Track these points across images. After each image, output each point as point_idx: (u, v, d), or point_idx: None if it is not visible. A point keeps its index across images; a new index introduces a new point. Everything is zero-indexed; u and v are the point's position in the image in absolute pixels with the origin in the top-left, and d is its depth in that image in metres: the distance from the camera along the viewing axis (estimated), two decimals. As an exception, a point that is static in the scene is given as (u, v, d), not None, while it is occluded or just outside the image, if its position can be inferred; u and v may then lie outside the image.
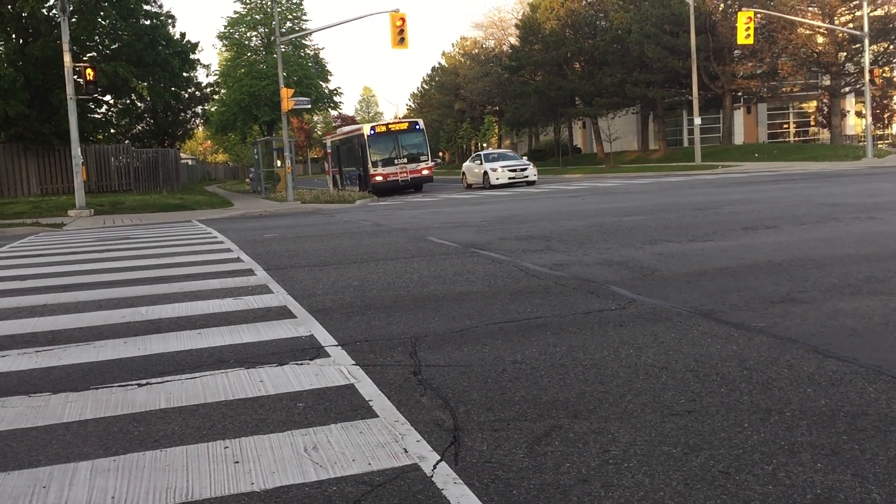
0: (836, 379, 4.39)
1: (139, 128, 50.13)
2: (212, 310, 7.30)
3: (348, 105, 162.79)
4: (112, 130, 42.29)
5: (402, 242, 12.73)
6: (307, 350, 5.65)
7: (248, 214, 24.56)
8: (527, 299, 7.05)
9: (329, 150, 44.25)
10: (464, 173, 37.47)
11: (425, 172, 35.53)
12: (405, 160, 34.83)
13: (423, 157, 35.55)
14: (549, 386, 4.56)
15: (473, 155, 38.71)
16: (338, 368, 5.14)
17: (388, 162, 34.66)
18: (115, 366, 5.49)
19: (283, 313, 7.02)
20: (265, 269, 9.97)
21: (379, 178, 34.34)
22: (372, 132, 35.09)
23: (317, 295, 7.93)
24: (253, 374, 5.08)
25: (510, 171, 33.53)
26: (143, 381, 5.05)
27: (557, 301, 6.90)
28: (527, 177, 33.61)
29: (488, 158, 35.53)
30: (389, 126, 36.31)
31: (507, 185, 33.21)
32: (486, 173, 33.92)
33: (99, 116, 40.39)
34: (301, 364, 5.28)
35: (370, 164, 34.44)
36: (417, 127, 36.09)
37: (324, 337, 6.03)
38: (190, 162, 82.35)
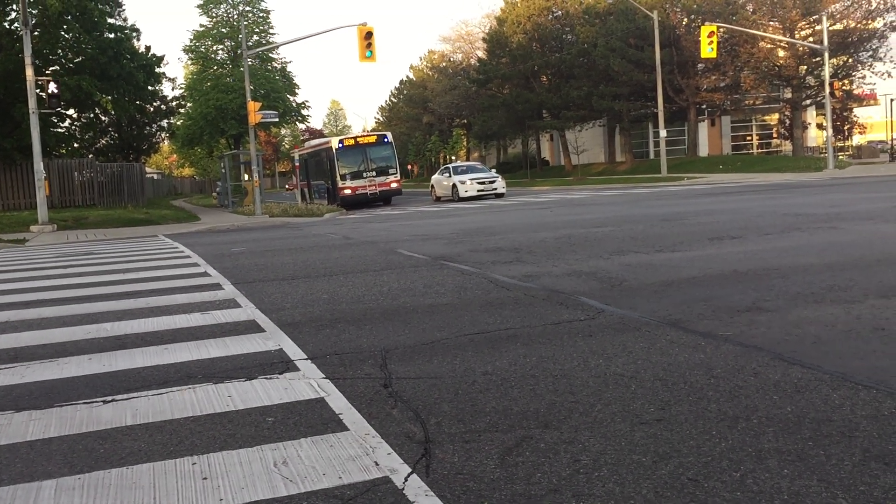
0: (801, 386, 4.45)
1: (103, 142, 49.53)
2: (179, 325, 7.22)
3: (316, 118, 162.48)
4: (76, 144, 41.75)
5: (371, 255, 12.71)
6: (276, 364, 5.61)
7: (215, 229, 24.35)
8: (497, 311, 7.07)
9: (297, 164, 44.15)
10: (433, 186, 37.43)
11: (394, 185, 35.51)
12: (374, 173, 34.82)
13: (391, 171, 35.57)
14: (519, 397, 4.57)
15: (442, 168, 38.73)
16: (307, 382, 5.11)
17: (356, 175, 34.61)
18: (79, 383, 5.40)
19: (251, 327, 6.96)
20: (233, 284, 9.88)
21: (348, 192, 34.25)
22: (340, 145, 35.08)
23: (286, 309, 7.87)
24: (221, 389, 5.03)
25: (479, 183, 33.59)
26: (109, 398, 4.97)
27: (527, 312, 6.93)
28: (496, 189, 33.70)
29: (457, 171, 35.56)
30: (358, 139, 36.32)
31: (476, 198, 33.24)
32: (455, 186, 33.91)
33: (62, 130, 39.85)
34: (270, 378, 5.23)
35: (339, 178, 34.41)
36: (386, 140, 36.02)
37: (293, 351, 5.98)
38: (156, 176, 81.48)
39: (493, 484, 3.39)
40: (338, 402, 4.64)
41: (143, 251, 16.02)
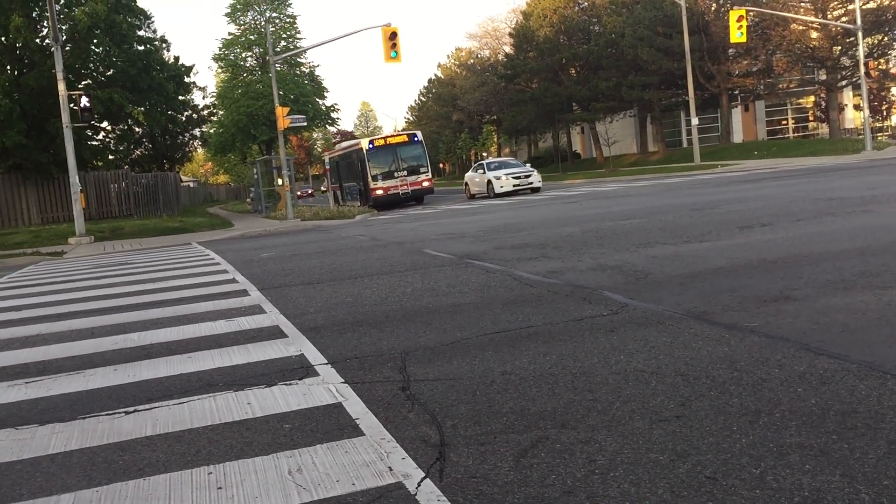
0: (826, 377, 4.33)
1: (138, 153, 50.33)
2: (203, 333, 7.27)
3: (347, 120, 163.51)
4: (110, 156, 42.40)
5: (397, 256, 12.70)
6: (296, 370, 5.61)
7: (247, 234, 24.57)
8: (518, 309, 7.01)
9: (328, 167, 44.09)
10: (466, 183, 36.65)
11: (426, 184, 35.25)
12: (405, 173, 34.61)
13: (422, 169, 35.31)
14: (537, 396, 4.51)
15: (476, 164, 38.05)
16: (326, 387, 5.10)
17: (387, 175, 34.47)
18: (103, 394, 5.45)
19: (274, 333, 6.99)
20: (259, 289, 9.94)
21: (379, 192, 34.09)
22: (371, 146, 34.91)
23: (309, 313, 7.89)
24: (241, 397, 5.04)
25: (514, 178, 32.67)
26: (131, 409, 5.01)
27: (549, 309, 6.85)
28: (531, 183, 32.76)
29: (491, 167, 34.64)
30: (388, 139, 36.09)
31: (512, 193, 32.35)
32: (489, 182, 33.06)
33: (96, 143, 40.52)
34: (289, 384, 5.23)
35: (370, 179, 34.28)
36: (416, 139, 35.86)
37: (314, 355, 5.98)
38: (191, 184, 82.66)
39: (506, 487, 3.35)
40: (355, 407, 4.62)
41: (175, 259, 16.20)
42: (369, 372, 5.39)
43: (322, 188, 76.83)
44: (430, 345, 5.98)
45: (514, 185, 32.39)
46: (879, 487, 3.00)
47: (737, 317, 5.86)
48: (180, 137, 55.12)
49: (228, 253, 16.80)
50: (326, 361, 5.77)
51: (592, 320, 6.25)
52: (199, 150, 77.83)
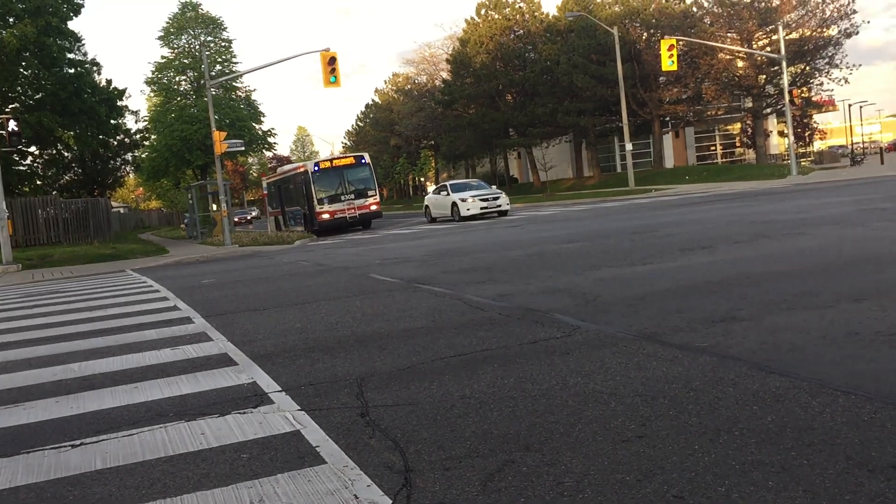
0: (780, 395, 4.44)
1: (67, 178, 48.99)
2: (148, 362, 7.07)
3: (283, 145, 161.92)
4: (39, 182, 41.16)
5: (343, 281, 12.60)
6: (250, 398, 5.49)
7: (183, 261, 24.06)
8: (472, 332, 7.01)
9: (269, 191, 43.01)
10: (427, 206, 34.82)
11: (374, 208, 34.19)
12: (352, 196, 33.57)
13: (370, 193, 34.35)
14: (499, 420, 4.50)
15: (437, 186, 37.00)
16: (283, 415, 5.00)
17: (334, 199, 33.40)
18: (47, 427, 5.24)
19: (223, 361, 6.83)
20: (203, 317, 9.73)
21: (325, 216, 33.03)
22: (316, 168, 33.96)
23: (258, 340, 7.75)
24: (194, 427, 4.90)
25: (482, 200, 30.83)
26: (77, 442, 4.82)
27: (503, 332, 6.88)
28: (500, 206, 30.91)
29: (456, 188, 32.78)
30: (334, 161, 35.16)
31: (479, 216, 30.59)
32: (455, 204, 31.24)
33: (24, 168, 39.31)
34: (244, 413, 5.12)
35: (315, 202, 33.17)
36: (363, 161, 34.84)
37: (267, 383, 5.87)
38: (122, 210, 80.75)
39: (476, 512, 3.32)
40: (314, 435, 4.54)
41: (111, 287, 15.76)
42: (326, 398, 5.31)
43: (237, 219, 74.85)
44: (386, 370, 5.93)
45: (481, 209, 30.60)
46: (842, 502, 3.08)
47: (687, 337, 5.97)
48: (112, 162, 53.83)
49: (166, 280, 16.42)
50: (280, 389, 5.66)
51: (547, 343, 6.29)
52: (131, 176, 76.14)
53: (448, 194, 32.34)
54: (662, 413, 4.34)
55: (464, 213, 30.56)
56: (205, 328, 8.77)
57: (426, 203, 34.98)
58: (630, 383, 4.95)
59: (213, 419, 5.04)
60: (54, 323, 10.47)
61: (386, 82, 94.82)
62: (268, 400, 5.40)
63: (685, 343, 5.80)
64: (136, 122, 59.64)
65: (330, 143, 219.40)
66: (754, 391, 4.55)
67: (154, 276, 18.11)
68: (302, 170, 35.77)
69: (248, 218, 72.98)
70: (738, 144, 62.34)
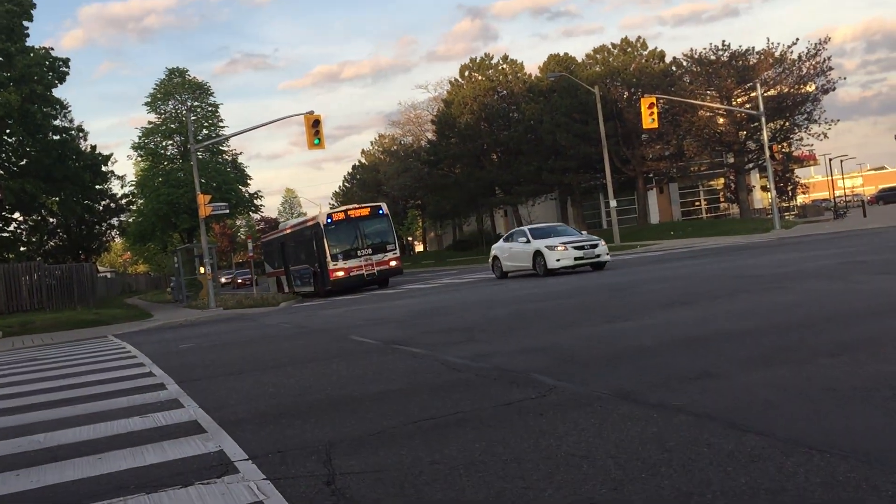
0: (754, 455, 4.33)
1: (52, 243, 48.79)
2: (116, 431, 6.88)
3: (271, 208, 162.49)
4: (22, 248, 40.95)
5: (322, 343, 12.45)
6: (215, 467, 5.32)
7: (166, 325, 23.82)
8: (447, 394, 6.88)
9: (267, 250, 40.07)
10: (495, 258, 27.66)
11: (393, 264, 30.81)
12: (369, 251, 30.22)
13: (389, 247, 30.96)
14: (467, 486, 4.36)
15: (511, 232, 28.73)
16: (246, 485, 4.84)
17: (349, 254, 30.07)
18: (3, 502, 5.05)
19: (192, 429, 6.66)
20: (178, 383, 9.54)
21: (340, 274, 29.72)
22: (329, 220, 30.43)
23: (229, 406, 7.58)
24: (154, 499, 4.73)
25: (576, 248, 23.91)
26: (32, 518, 4.64)
27: (478, 394, 6.75)
28: (598, 256, 24.06)
29: (538, 234, 25.67)
30: (349, 212, 31.44)
31: (571, 269, 24.33)
32: (539, 254, 24.35)
33: (7, 235, 39.15)
34: (207, 483, 4.95)
35: (328, 258, 29.82)
36: (381, 212, 31.51)
37: (234, 451, 5.70)
38: (109, 275, 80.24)
39: (436, 586, 3.17)
40: (277, 506, 4.38)
41: (89, 354, 15.52)
42: (293, 466, 5.15)
43: (224, 279, 72.48)
44: (356, 435, 5.78)
45: (575, 259, 23.77)
46: (814, 568, 2.96)
47: (663, 396, 5.87)
48: (97, 227, 53.76)
49: (146, 345, 16.21)
50: (247, 457, 5.50)
51: (521, 404, 6.16)
52: (118, 240, 75.99)
53: (528, 241, 25.34)
54: (635, 476, 4.21)
55: (552, 264, 23.93)
56: (177, 394, 8.59)
57: (494, 254, 28.08)
58: (603, 445, 4.83)
59: (175, 490, 4.87)
60: (25, 392, 10.25)
61: (372, 143, 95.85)
62: (233, 469, 5.23)
63: (661, 402, 5.69)
64: (122, 186, 59.63)
65: (318, 204, 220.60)
66: (729, 451, 4.44)
67: (134, 340, 17.88)
68: (312, 222, 32.64)
69: (252, 279, 70.07)
70: (721, 199, 62.97)
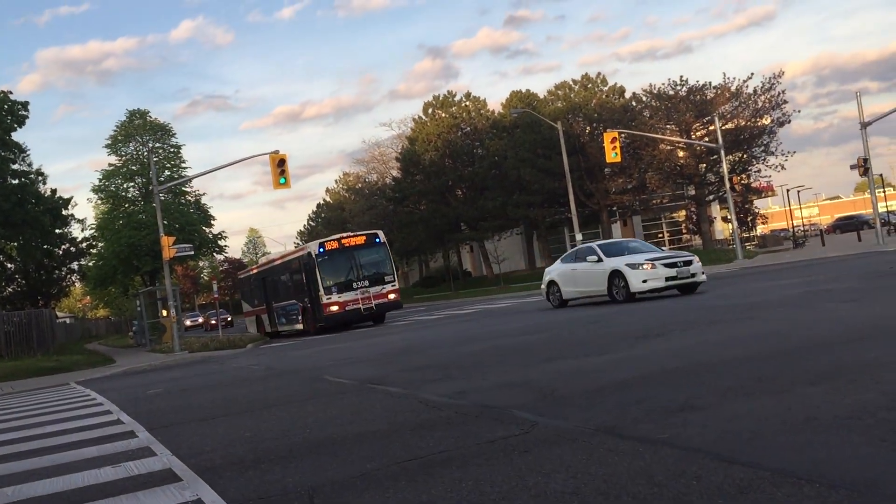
0: (744, 486, 4.31)
1: (10, 289, 47.74)
2: (87, 482, 6.67)
3: (235, 248, 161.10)
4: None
5: (295, 385, 12.27)
6: (194, 517, 5.17)
7: (130, 370, 23.34)
8: (429, 433, 6.79)
9: (245, 288, 37.74)
10: (552, 283, 22.98)
11: (392, 297, 28.80)
12: (366, 283, 28.25)
13: (387, 278, 28.99)
14: (457, 528, 4.28)
15: (573, 250, 23.73)
16: (229, 535, 4.70)
17: (344, 287, 28.08)
18: (-29, 561, 4.85)
19: (167, 477, 6.48)
20: (148, 430, 9.31)
21: (334, 309, 27.69)
22: (321, 251, 28.58)
23: (205, 452, 7.40)
24: (133, 553, 4.57)
25: (667, 266, 19.84)
26: (4, 577, 4.45)
27: (460, 432, 6.67)
28: (693, 276, 20.07)
29: (610, 251, 21.39)
30: (343, 241, 29.43)
31: (660, 292, 20.25)
32: (618, 274, 20.20)
33: (-35, 281, 38.30)
34: (187, 534, 4.80)
35: (321, 292, 27.81)
36: (378, 240, 29.49)
37: (212, 499, 5.55)
38: (68, 320, 78.78)
39: None
40: (262, 555, 4.25)
41: (52, 402, 15.12)
42: (275, 514, 5.02)
43: (195, 320, 69.67)
44: (339, 478, 5.66)
45: (667, 280, 19.77)
46: None
47: (647, 429, 5.85)
48: (56, 272, 52.79)
49: (111, 392, 15.84)
50: (227, 505, 5.35)
51: (505, 441, 6.10)
52: (77, 284, 74.62)
53: (599, 260, 21.01)
54: (627, 512, 4.17)
55: (637, 286, 19.78)
56: (149, 442, 8.38)
57: (550, 278, 23.17)
58: (592, 481, 4.78)
59: (154, 543, 4.71)
60: (-11, 443, 9.92)
61: (336, 181, 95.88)
62: (213, 518, 5.09)
63: (645, 435, 5.67)
64: (82, 230, 58.65)
65: (282, 244, 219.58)
66: (718, 483, 4.42)
67: (98, 387, 17.47)
68: (301, 253, 30.65)
69: (229, 319, 63.49)
70: (684, 231, 63.88)
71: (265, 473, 6.18)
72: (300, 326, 30.16)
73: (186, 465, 6.86)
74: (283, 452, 6.88)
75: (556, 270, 23.10)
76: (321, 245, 29.02)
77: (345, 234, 31.16)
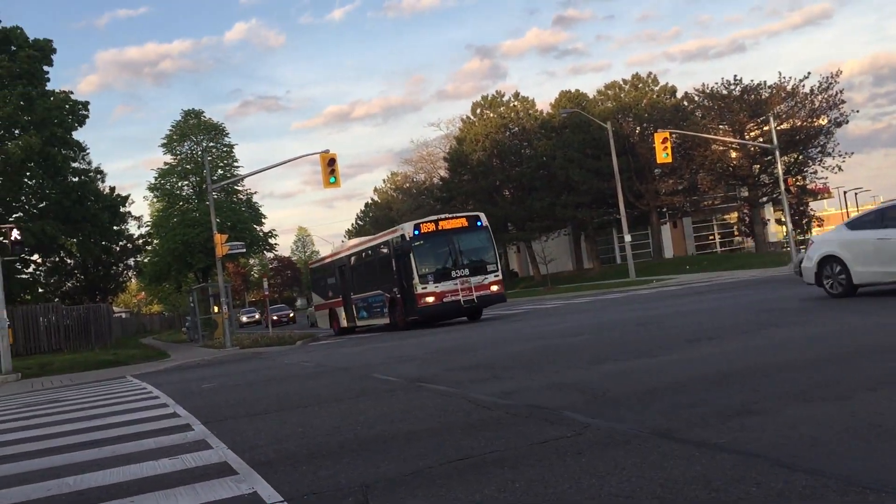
0: (806, 494, 4.22)
1: (69, 285, 49.02)
2: (146, 473, 6.81)
3: (284, 246, 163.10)
4: (40, 290, 41.18)
5: (346, 382, 12.37)
6: (250, 510, 5.25)
7: (184, 365, 23.80)
8: (479, 433, 6.79)
9: (318, 277, 35.24)
10: (830, 257, 15.21)
11: (495, 289, 24.98)
12: (466, 271, 24.58)
13: (490, 267, 25.26)
14: (512, 528, 4.27)
15: (879, 208, 15.36)
16: (284, 528, 4.76)
17: (442, 275, 24.52)
18: (37, 548, 4.99)
19: (223, 470, 6.59)
20: (203, 423, 9.47)
21: (430, 300, 24.26)
22: (416, 233, 24.87)
23: (259, 446, 7.51)
24: (191, 544, 4.66)
25: None
26: (69, 564, 4.57)
27: (511, 432, 6.66)
28: None
29: None
30: (440, 223, 25.55)
31: None
32: None
33: (26, 276, 39.41)
34: (244, 527, 4.87)
35: (416, 280, 24.40)
36: (480, 224, 25.69)
37: (268, 493, 5.62)
38: (124, 315, 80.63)
39: None
40: (318, 550, 4.30)
41: (110, 394, 15.49)
42: (329, 509, 5.07)
43: (251, 316, 68.91)
44: (391, 476, 5.70)
45: None
46: None
47: (703, 433, 5.76)
48: (114, 268, 54.07)
49: (167, 385, 16.17)
50: (283, 499, 5.42)
51: (557, 442, 6.07)
52: (133, 280, 76.33)
53: None
54: (684, 516, 4.11)
55: None
56: (205, 435, 8.53)
57: (826, 251, 15.38)
58: (647, 485, 4.73)
59: (212, 535, 4.79)
60: (50, 434, 10.20)
61: (385, 181, 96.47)
62: (269, 512, 5.16)
63: (701, 440, 5.59)
64: (138, 227, 59.96)
65: (331, 242, 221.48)
66: (779, 490, 4.33)
67: (154, 381, 17.84)
68: (392, 236, 27.00)
69: (291, 315, 62.89)
70: (736, 233, 62.81)
71: (318, 469, 6.24)
72: (386, 321, 27.32)
73: (241, 458, 6.96)
74: (335, 448, 6.94)
75: (838, 240, 15.35)
76: (416, 227, 25.32)
77: (442, 216, 27.17)
